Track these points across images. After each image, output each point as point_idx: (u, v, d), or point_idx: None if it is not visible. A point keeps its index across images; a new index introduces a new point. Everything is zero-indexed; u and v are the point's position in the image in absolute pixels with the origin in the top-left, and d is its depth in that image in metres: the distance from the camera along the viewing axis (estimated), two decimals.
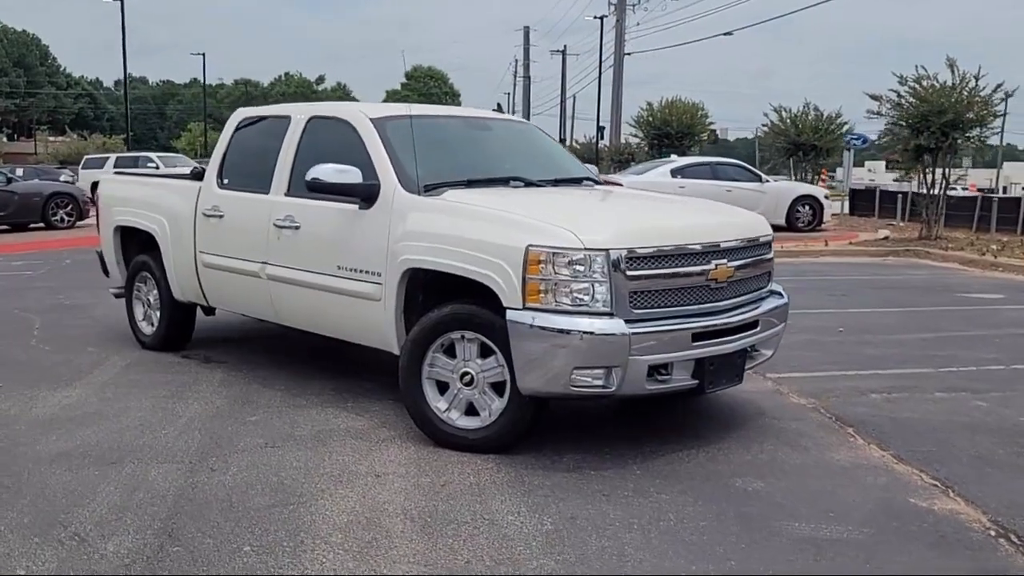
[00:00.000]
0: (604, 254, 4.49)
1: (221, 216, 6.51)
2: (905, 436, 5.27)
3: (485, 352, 4.88)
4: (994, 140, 16.68)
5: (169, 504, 4.20)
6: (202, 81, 70.85)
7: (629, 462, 4.80)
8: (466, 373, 4.92)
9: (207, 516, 4.06)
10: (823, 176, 27.61)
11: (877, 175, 58.77)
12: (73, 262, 14.34)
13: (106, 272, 8.18)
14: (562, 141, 50.43)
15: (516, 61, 62.03)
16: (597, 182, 6.37)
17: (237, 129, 6.74)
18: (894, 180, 52.01)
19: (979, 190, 32.91)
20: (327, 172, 5.35)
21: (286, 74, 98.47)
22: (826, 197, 20.32)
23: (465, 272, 4.77)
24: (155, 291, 7.40)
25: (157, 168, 30.12)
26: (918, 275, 13.73)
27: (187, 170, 27.69)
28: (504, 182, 5.74)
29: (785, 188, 20.38)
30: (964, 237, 18.13)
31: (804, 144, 23.60)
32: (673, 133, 28.96)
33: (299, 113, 6.24)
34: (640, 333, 4.52)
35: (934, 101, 15.98)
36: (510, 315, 4.57)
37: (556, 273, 4.50)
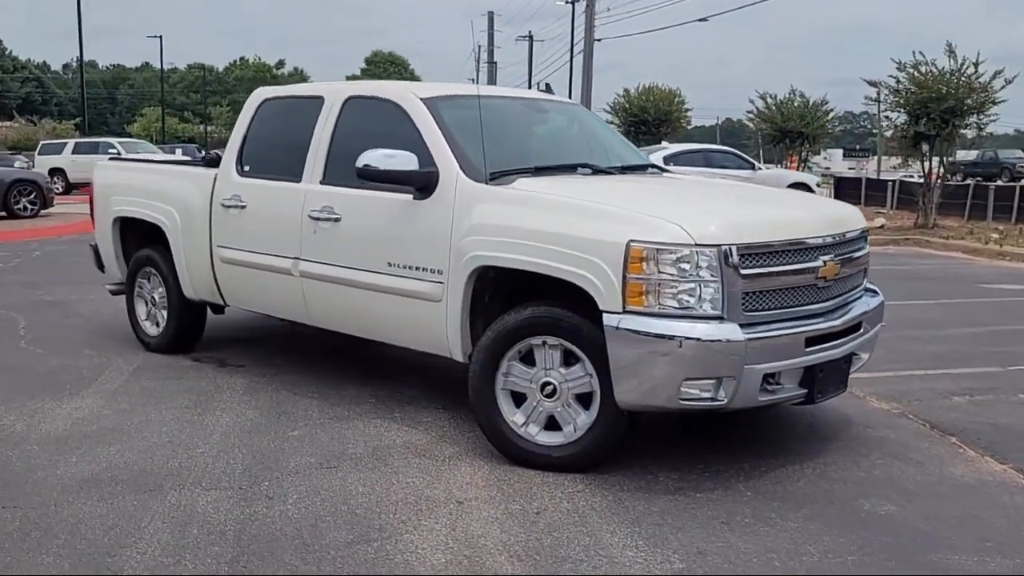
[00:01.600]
0: (715, 250, 3.99)
1: (243, 207, 5.90)
2: (1016, 446, 4.86)
3: (568, 359, 4.36)
4: (991, 127, 16.43)
5: (231, 542, 3.63)
6: (155, 65, 69.15)
7: (732, 481, 4.32)
8: (547, 383, 4.40)
9: (281, 557, 3.50)
10: (791, 162, 27.36)
11: (833, 163, 58.96)
12: (43, 254, 13.57)
13: (101, 267, 7.50)
14: None
15: (479, 47, 61.21)
16: (663, 169, 5.87)
17: (257, 111, 6.12)
18: (849, 168, 52.25)
19: (938, 177, 32.78)
20: (380, 158, 4.78)
21: (241, 58, 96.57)
22: (818, 184, 20.08)
23: (551, 271, 4.24)
24: (161, 288, 6.77)
25: (119, 154, 29.07)
26: (927, 265, 13.46)
27: (155, 156, 26.87)
28: (571, 169, 5.22)
29: (776, 176, 20.07)
30: (959, 226, 17.96)
31: (791, 131, 23.33)
32: (650, 120, 28.55)
33: (333, 93, 5.64)
34: (756, 339, 4.03)
35: (933, 87, 15.71)
36: (608, 320, 4.05)
37: (660, 272, 3.99)
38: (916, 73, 16.22)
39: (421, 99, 5.17)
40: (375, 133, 5.40)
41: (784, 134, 23.47)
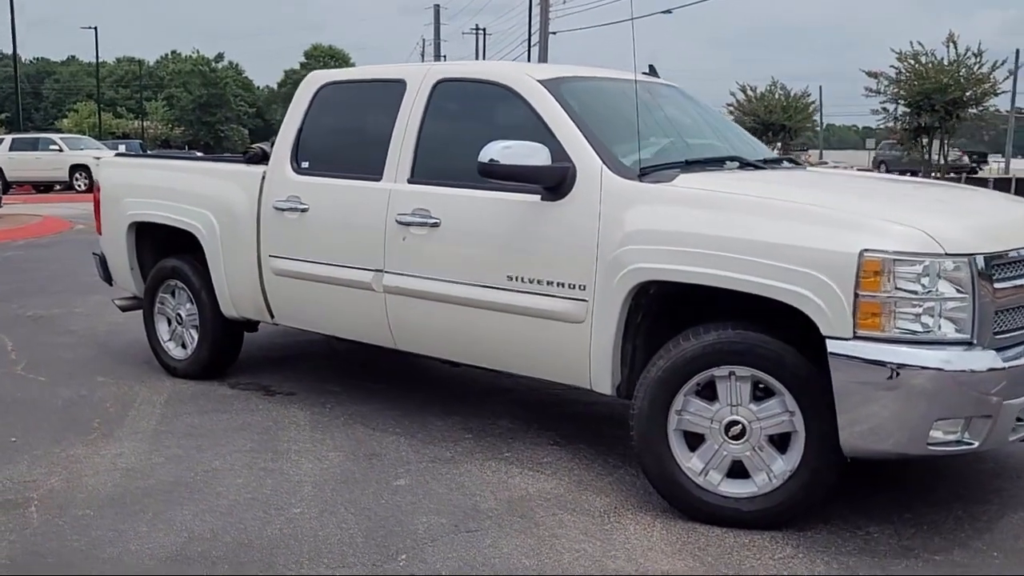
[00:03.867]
0: (966, 260, 3.27)
1: (303, 210, 5.02)
2: None
3: (758, 393, 3.61)
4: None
5: None
6: (82, 59, 66.30)
7: (960, 535, 3.61)
8: (734, 423, 3.63)
9: None
10: None
11: None
12: (2, 260, 12.30)
13: (108, 279, 6.53)
14: None
15: (424, 41, 60.02)
16: (797, 162, 5.15)
17: (315, 99, 5.23)
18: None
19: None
20: (505, 152, 3.97)
21: (173, 52, 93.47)
22: None
23: (753, 288, 3.48)
24: (189, 304, 5.84)
25: (61, 151, 27.53)
26: None
27: (101, 153, 25.29)
28: (719, 163, 4.47)
29: None
30: None
31: (774, 124, 22.88)
32: None
33: (418, 76, 4.79)
34: (1014, 367, 3.32)
35: (936, 78, 15.33)
36: (834, 347, 3.30)
37: (898, 288, 3.26)
38: (916, 64, 15.83)
39: (538, 80, 4.36)
40: (477, 122, 4.65)
41: (767, 127, 23.03)
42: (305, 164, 5.15)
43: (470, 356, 4.57)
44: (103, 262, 6.47)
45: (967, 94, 15.25)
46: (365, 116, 5.05)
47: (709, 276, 3.57)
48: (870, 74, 16.07)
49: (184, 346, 5.95)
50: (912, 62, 15.52)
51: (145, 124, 64.32)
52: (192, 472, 4.28)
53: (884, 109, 16.57)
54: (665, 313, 3.95)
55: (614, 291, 3.83)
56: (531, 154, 3.99)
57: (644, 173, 3.97)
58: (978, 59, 15.33)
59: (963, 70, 15.29)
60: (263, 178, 5.27)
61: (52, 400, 5.47)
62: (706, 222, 3.63)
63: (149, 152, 25.66)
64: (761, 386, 3.59)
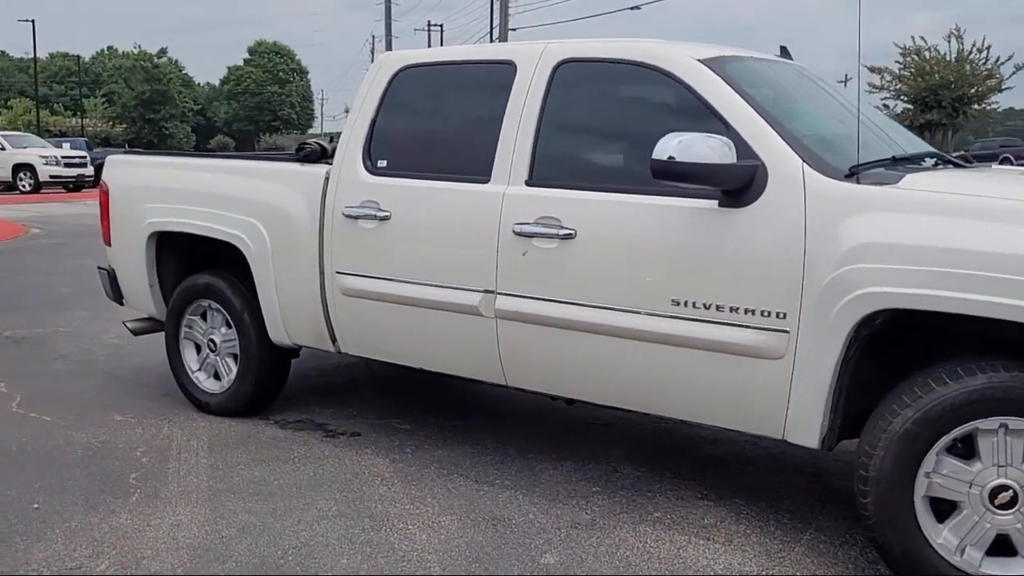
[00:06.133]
0: None
1: (384, 217, 4.16)
2: None
3: None
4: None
5: None
6: (12, 54, 63.66)
7: None
8: (1002, 488, 2.89)
9: None
10: None
11: None
12: None
13: (118, 298, 5.57)
14: None
15: (374, 37, 58.72)
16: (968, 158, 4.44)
17: (391, 86, 4.35)
18: None
19: None
20: (680, 148, 3.17)
21: (109, 47, 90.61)
22: None
23: None
24: (226, 329, 4.95)
25: (3, 149, 25.94)
26: None
27: (46, 152, 23.83)
28: (918, 159, 3.73)
29: None
30: None
31: None
32: None
33: (531, 56, 3.94)
34: None
35: (944, 74, 14.88)
36: None
37: None
38: (919, 59, 15.37)
39: (700, 60, 3.57)
40: (616, 113, 3.91)
41: None
42: (382, 163, 4.29)
43: (611, 396, 3.76)
44: (112, 278, 5.50)
45: (973, 90, 14.87)
46: (461, 105, 4.23)
47: (992, 306, 2.79)
48: (873, 69, 15.65)
49: (218, 377, 5.05)
50: (915, 57, 15.10)
51: (84, 121, 61.98)
52: (278, 549, 3.41)
53: (885, 106, 16.17)
54: (872, 346, 3.19)
55: (833, 320, 3.06)
56: (711, 149, 3.19)
57: (850, 173, 3.20)
58: (984, 54, 14.99)
59: (967, 66, 14.91)
60: (326, 179, 4.40)
61: (68, 448, 4.53)
62: (973, 235, 2.86)
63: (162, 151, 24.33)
64: None
